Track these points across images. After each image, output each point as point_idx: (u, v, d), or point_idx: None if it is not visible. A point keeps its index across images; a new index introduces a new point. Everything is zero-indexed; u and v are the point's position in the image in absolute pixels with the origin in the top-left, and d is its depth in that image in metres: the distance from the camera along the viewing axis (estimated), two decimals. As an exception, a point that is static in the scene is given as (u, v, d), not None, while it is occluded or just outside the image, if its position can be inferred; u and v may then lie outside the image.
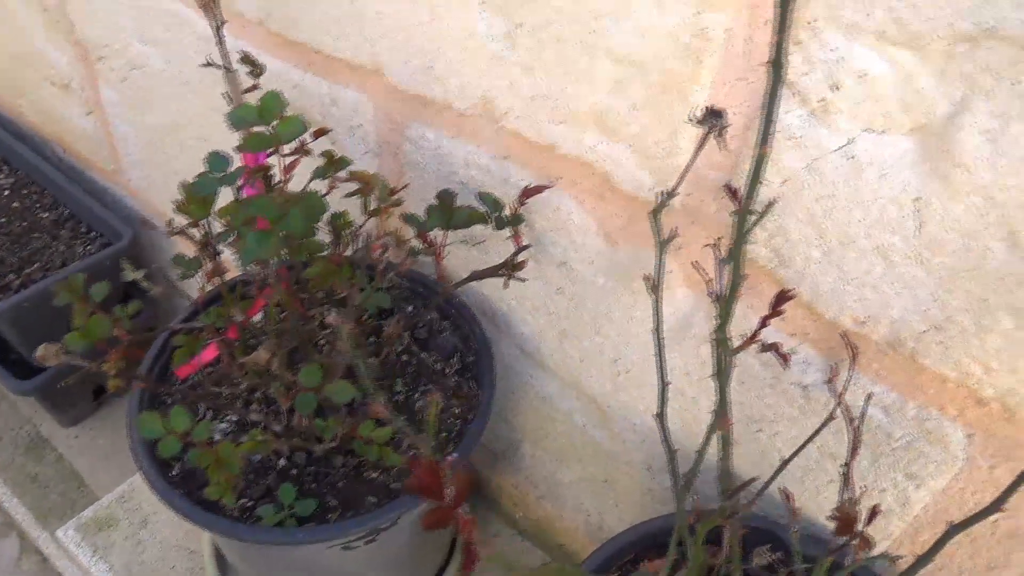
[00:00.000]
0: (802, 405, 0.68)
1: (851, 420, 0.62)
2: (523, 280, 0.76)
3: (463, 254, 0.90)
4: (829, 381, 0.64)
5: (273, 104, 0.61)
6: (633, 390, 0.83)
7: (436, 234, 0.77)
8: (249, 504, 0.77)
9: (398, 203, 0.73)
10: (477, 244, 0.87)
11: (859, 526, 0.48)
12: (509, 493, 1.15)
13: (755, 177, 0.50)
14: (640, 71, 0.62)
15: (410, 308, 0.94)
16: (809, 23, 0.51)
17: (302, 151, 0.68)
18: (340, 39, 0.83)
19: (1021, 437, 0.57)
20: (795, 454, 0.64)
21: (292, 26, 0.88)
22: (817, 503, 0.73)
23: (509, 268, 0.72)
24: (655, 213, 0.60)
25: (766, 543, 0.71)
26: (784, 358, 0.58)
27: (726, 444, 0.60)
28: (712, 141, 0.50)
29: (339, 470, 0.81)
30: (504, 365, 0.96)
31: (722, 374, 0.61)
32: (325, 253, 0.75)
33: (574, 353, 0.86)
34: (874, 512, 0.55)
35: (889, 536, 0.69)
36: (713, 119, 0.47)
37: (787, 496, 0.66)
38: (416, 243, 0.76)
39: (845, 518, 0.48)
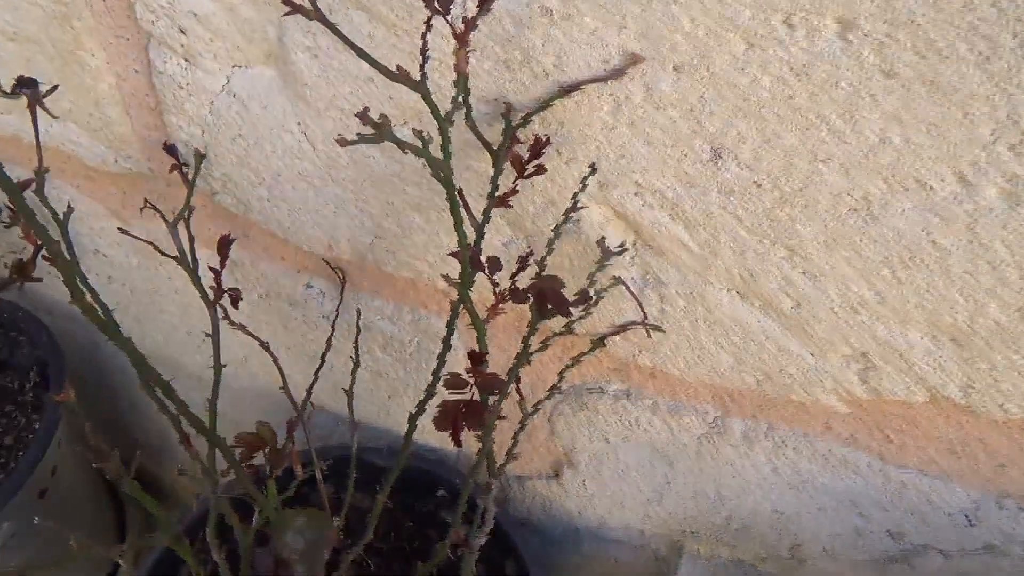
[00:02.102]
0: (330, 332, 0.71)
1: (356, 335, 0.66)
2: (39, 280, 0.73)
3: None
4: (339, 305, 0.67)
5: None
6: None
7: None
8: None
9: None
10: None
11: (273, 447, 0.51)
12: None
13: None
14: (33, 43, 0.59)
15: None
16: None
17: None
18: None
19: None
20: (316, 377, 0.66)
21: None
22: (392, 417, 0.77)
23: (16, 272, 0.69)
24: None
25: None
26: (218, 291, 0.59)
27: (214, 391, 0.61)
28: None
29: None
30: (115, 365, 0.93)
31: (215, 332, 0.62)
32: None
33: (158, 336, 0.85)
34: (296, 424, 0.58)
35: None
36: (27, 88, 0.46)
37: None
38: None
39: (251, 442, 0.50)
